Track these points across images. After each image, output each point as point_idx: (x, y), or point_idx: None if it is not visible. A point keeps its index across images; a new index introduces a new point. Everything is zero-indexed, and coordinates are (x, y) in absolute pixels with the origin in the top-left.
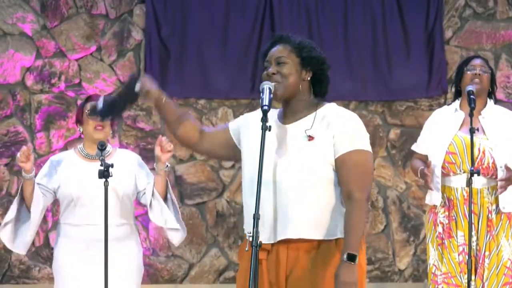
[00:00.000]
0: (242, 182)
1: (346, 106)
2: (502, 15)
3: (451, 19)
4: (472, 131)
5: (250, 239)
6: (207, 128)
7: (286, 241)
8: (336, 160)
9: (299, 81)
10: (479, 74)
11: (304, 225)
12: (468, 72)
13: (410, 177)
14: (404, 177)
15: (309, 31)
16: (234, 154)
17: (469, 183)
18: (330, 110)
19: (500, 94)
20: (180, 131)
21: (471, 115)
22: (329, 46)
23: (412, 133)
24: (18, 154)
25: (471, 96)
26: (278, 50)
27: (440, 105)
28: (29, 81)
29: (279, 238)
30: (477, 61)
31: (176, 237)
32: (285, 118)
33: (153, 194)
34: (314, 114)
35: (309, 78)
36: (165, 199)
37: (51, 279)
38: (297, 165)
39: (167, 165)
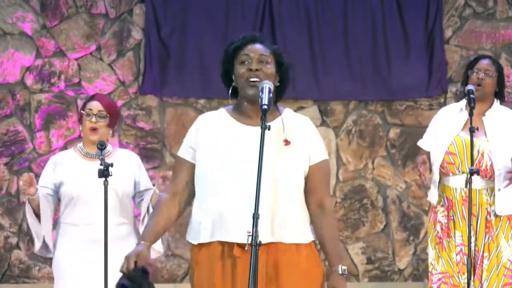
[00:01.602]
0: (199, 182)
1: (346, 106)
2: (502, 15)
3: (451, 18)
4: (471, 130)
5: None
6: (173, 189)
7: (266, 244)
8: (310, 168)
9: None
10: (482, 79)
11: (282, 229)
12: (472, 76)
13: (410, 176)
14: (404, 176)
15: (309, 30)
16: None
17: (468, 182)
18: (294, 116)
19: None
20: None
21: (471, 114)
22: (328, 46)
23: (412, 132)
24: (21, 183)
25: (471, 96)
26: (261, 49)
27: (440, 105)
28: (29, 81)
29: (264, 241)
30: (483, 63)
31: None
32: (247, 118)
33: (147, 211)
34: (281, 119)
35: (277, 84)
36: None
37: (51, 278)
38: (273, 168)
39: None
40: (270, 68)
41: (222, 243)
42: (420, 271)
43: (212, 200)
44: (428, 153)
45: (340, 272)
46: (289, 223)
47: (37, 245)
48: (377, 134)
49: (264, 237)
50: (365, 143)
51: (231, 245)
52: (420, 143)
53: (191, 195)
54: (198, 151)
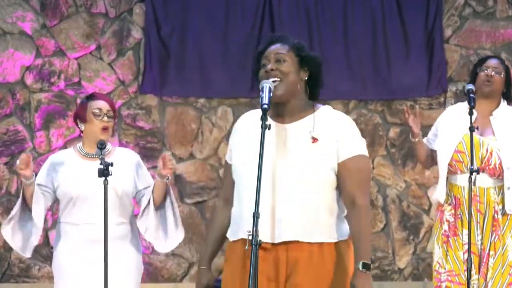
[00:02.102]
0: (237, 186)
1: (346, 105)
2: (502, 14)
3: (450, 18)
4: (471, 130)
5: (250, 237)
6: (223, 194)
7: (286, 242)
8: (339, 164)
9: (297, 80)
10: (491, 76)
11: (305, 228)
12: (481, 73)
13: (410, 176)
14: (403, 176)
15: (309, 30)
16: None
17: (469, 181)
18: (329, 113)
19: None
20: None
21: (470, 113)
22: (328, 45)
23: None
24: (18, 162)
25: (471, 95)
26: (277, 48)
27: (440, 104)
28: (29, 80)
29: (278, 240)
30: (492, 62)
31: (158, 245)
32: (281, 117)
33: (148, 203)
34: (313, 116)
35: (306, 78)
36: (162, 204)
37: (51, 278)
38: (300, 166)
39: (168, 177)
40: (287, 65)
41: (245, 241)
42: (420, 271)
43: (241, 200)
44: (430, 151)
45: (360, 268)
46: (312, 222)
47: (18, 243)
48: (377, 133)
49: (286, 235)
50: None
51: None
52: (424, 141)
53: None
54: (233, 151)
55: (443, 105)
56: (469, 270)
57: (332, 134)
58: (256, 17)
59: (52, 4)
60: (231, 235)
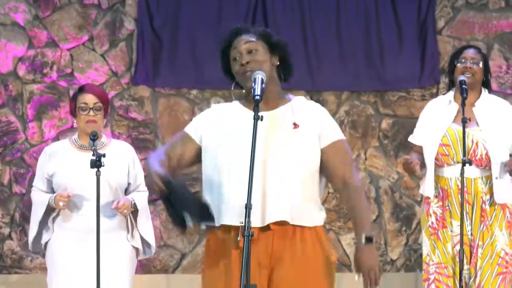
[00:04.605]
0: (212, 169)
1: (338, 97)
2: (495, 5)
3: (443, 9)
4: (464, 121)
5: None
6: (165, 151)
7: (271, 227)
8: (325, 148)
9: (271, 67)
10: (470, 67)
11: (288, 212)
12: (459, 65)
13: (402, 167)
14: (396, 167)
15: (302, 21)
16: (197, 155)
17: (461, 173)
18: (305, 101)
19: (492, 84)
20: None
21: (463, 105)
22: (321, 37)
23: (405, 123)
24: (61, 203)
25: (463, 86)
26: (245, 39)
27: (432, 95)
28: (21, 71)
29: (262, 224)
30: (468, 53)
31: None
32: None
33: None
34: (291, 104)
35: (277, 64)
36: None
37: (43, 269)
38: (283, 152)
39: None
40: (261, 55)
41: (228, 228)
42: (412, 262)
43: (220, 186)
44: (420, 148)
45: (363, 241)
46: (295, 205)
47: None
48: (370, 124)
49: (270, 219)
50: (358, 134)
51: (235, 229)
52: (411, 139)
53: (176, 170)
54: (203, 133)
55: (435, 96)
56: (461, 261)
57: (312, 120)
58: (249, 8)
59: None
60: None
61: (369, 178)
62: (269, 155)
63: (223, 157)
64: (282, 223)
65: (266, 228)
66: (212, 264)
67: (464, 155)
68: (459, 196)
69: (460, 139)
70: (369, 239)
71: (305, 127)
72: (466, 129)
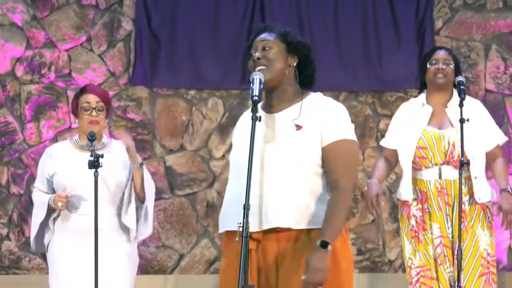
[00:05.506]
0: (229, 174)
1: (336, 97)
2: (493, 6)
3: (441, 9)
4: (462, 121)
5: (240, 229)
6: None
7: (275, 230)
8: (323, 149)
9: (285, 67)
10: (443, 68)
11: (292, 215)
12: (431, 66)
13: (400, 167)
14: None
15: (299, 21)
16: None
17: (459, 174)
18: (316, 100)
19: (490, 85)
20: None
21: (461, 105)
22: (319, 37)
23: None
24: (60, 204)
25: (461, 87)
26: (263, 37)
27: None
28: (19, 72)
29: (266, 227)
30: (440, 54)
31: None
32: (271, 107)
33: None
34: (301, 104)
35: (295, 64)
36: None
37: (41, 269)
38: (284, 154)
39: (141, 163)
40: (274, 53)
41: (233, 233)
42: None
43: (229, 192)
44: (392, 152)
45: (318, 245)
46: (300, 209)
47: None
48: (368, 125)
49: (274, 223)
50: (355, 134)
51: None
52: (383, 143)
53: None
54: (233, 142)
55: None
56: (459, 262)
57: (317, 120)
58: (247, 8)
59: None
60: (222, 227)
61: (367, 178)
62: (269, 157)
63: (233, 163)
64: (283, 229)
65: (270, 231)
66: (225, 270)
67: (462, 155)
68: (439, 198)
69: (437, 141)
70: (324, 244)
71: (308, 128)
72: (441, 131)
